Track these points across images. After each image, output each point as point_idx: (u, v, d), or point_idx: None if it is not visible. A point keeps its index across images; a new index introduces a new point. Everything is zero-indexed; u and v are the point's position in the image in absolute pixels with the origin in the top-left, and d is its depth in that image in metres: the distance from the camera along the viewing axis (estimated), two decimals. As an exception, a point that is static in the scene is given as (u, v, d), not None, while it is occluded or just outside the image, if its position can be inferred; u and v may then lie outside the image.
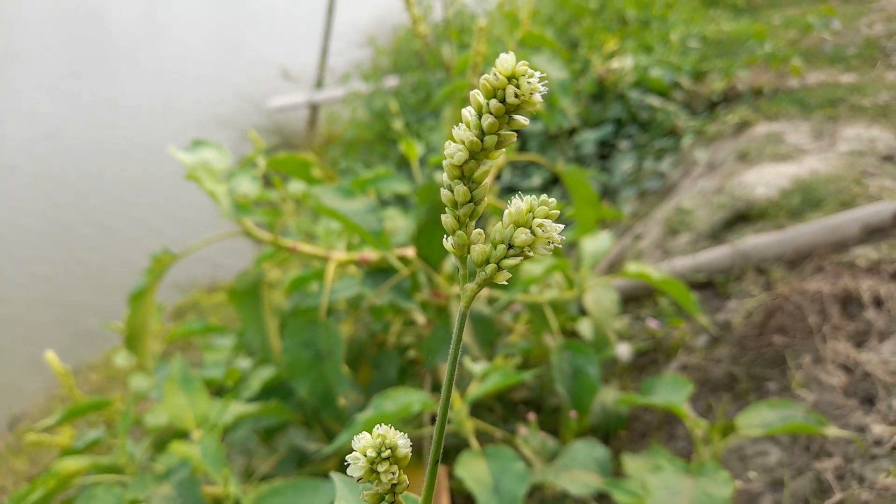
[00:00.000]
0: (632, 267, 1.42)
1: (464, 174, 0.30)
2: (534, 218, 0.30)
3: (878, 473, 1.16)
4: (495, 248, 0.31)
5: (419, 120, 4.02)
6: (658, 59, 3.59)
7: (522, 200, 0.30)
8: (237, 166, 1.33)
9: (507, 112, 0.28)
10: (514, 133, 0.29)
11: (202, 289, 3.74)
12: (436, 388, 1.49)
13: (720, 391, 1.59)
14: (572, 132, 3.37)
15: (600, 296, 1.53)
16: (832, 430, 1.12)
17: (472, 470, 1.08)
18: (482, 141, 0.29)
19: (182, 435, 1.31)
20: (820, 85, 2.93)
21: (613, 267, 2.32)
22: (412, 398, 1.12)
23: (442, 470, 1.37)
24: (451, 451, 1.40)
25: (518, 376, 1.18)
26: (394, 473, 0.34)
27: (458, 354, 0.34)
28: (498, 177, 2.77)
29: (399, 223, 1.65)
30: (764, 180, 2.16)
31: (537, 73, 0.28)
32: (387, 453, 0.34)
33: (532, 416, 1.41)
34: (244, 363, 1.63)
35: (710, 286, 1.91)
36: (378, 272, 1.43)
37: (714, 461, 1.20)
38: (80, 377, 3.06)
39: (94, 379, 3.05)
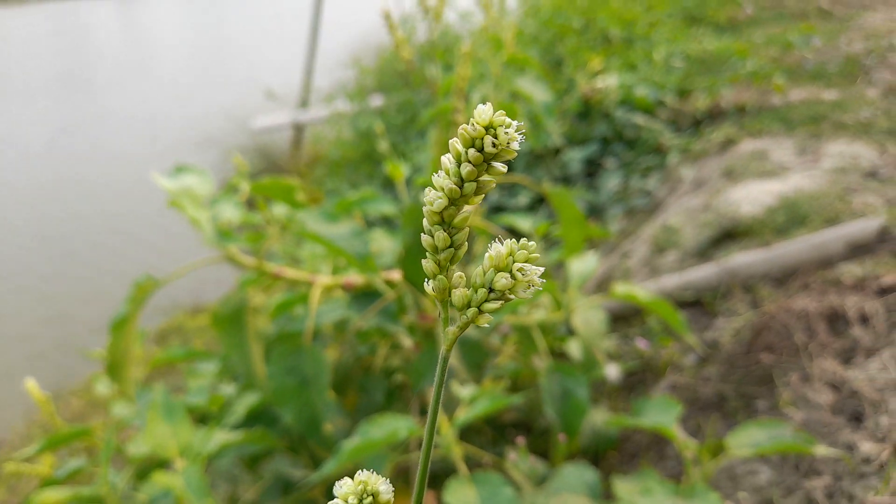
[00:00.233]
0: (619, 288, 1.42)
1: (444, 220, 0.30)
2: (514, 262, 0.29)
3: (867, 491, 1.16)
4: (476, 292, 0.30)
5: (405, 140, 4.03)
6: (642, 77, 3.62)
7: (503, 244, 0.30)
8: (220, 192, 1.32)
9: (486, 160, 0.28)
10: (493, 180, 0.29)
11: (186, 311, 3.71)
12: (423, 412, 1.47)
13: (709, 410, 1.59)
14: (559, 151, 3.38)
15: (589, 316, 1.52)
16: (821, 449, 1.11)
17: (461, 496, 1.06)
18: (461, 188, 0.29)
19: (165, 464, 1.29)
20: (802, 102, 2.96)
21: (602, 285, 2.32)
22: (399, 424, 1.11)
23: (430, 496, 1.35)
24: (440, 475, 1.38)
25: (507, 400, 1.17)
26: (376, 520, 0.33)
27: (440, 393, 0.33)
28: (485, 197, 2.78)
29: (385, 245, 1.64)
30: (749, 197, 2.17)
31: (515, 123, 0.28)
32: (368, 500, 0.33)
33: (521, 441, 1.39)
34: (228, 389, 1.61)
35: (698, 304, 1.91)
36: (364, 295, 1.42)
37: (704, 482, 1.19)
38: (61, 402, 3.01)
39: (75, 404, 3.01)
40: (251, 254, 1.39)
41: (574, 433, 1.34)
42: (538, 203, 3.13)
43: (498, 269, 0.30)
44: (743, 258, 1.89)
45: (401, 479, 1.44)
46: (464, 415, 1.17)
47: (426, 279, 0.32)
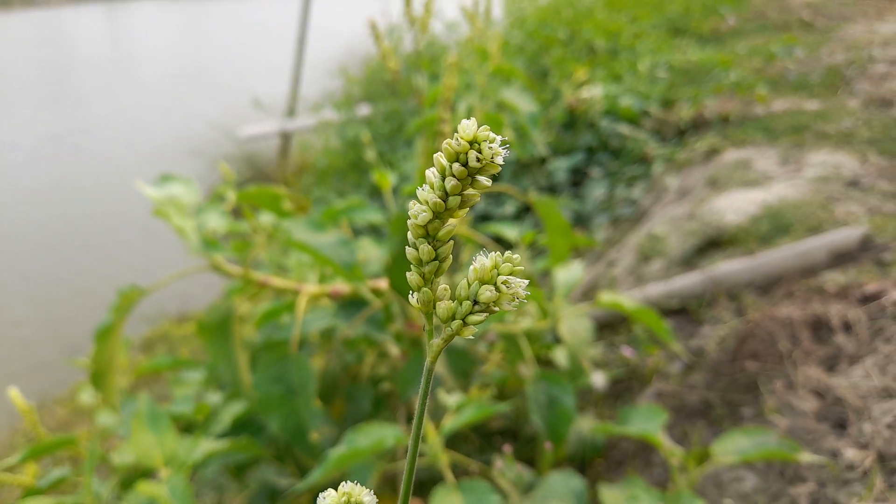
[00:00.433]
0: (605, 296, 1.43)
1: (428, 233, 0.30)
2: (498, 275, 0.30)
3: (850, 498, 1.17)
4: (461, 304, 0.30)
5: (392, 149, 4.04)
6: (627, 87, 3.65)
7: (487, 257, 0.30)
8: (206, 201, 1.32)
9: (470, 174, 0.29)
10: (478, 194, 0.29)
11: (171, 319, 3.69)
12: (411, 420, 1.47)
13: (695, 418, 1.60)
14: (544, 160, 3.40)
15: (575, 324, 1.53)
16: (805, 456, 1.12)
17: (448, 505, 1.06)
18: (446, 202, 0.29)
19: (149, 474, 1.28)
20: (785, 112, 2.99)
21: (588, 294, 2.33)
22: (386, 433, 1.11)
23: (417, 505, 1.35)
24: (427, 483, 1.38)
25: (493, 408, 1.17)
26: (360, 531, 0.33)
27: (425, 403, 0.33)
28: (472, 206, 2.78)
29: (372, 253, 1.64)
30: (734, 206, 2.19)
31: (499, 138, 0.28)
32: (353, 511, 0.33)
33: (508, 448, 1.40)
34: (214, 398, 1.60)
35: (683, 312, 1.92)
36: (351, 304, 1.42)
37: (690, 490, 1.20)
38: (45, 411, 2.98)
39: (60, 413, 2.98)
40: (237, 262, 1.39)
41: (560, 441, 1.34)
42: (524, 212, 3.14)
43: (482, 282, 0.30)
44: (727, 266, 1.90)
45: (388, 487, 1.44)
46: (450, 423, 1.17)
47: (411, 291, 0.32)
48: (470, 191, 0.29)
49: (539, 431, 1.38)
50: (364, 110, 4.76)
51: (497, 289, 0.30)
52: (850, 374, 1.42)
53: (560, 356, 1.60)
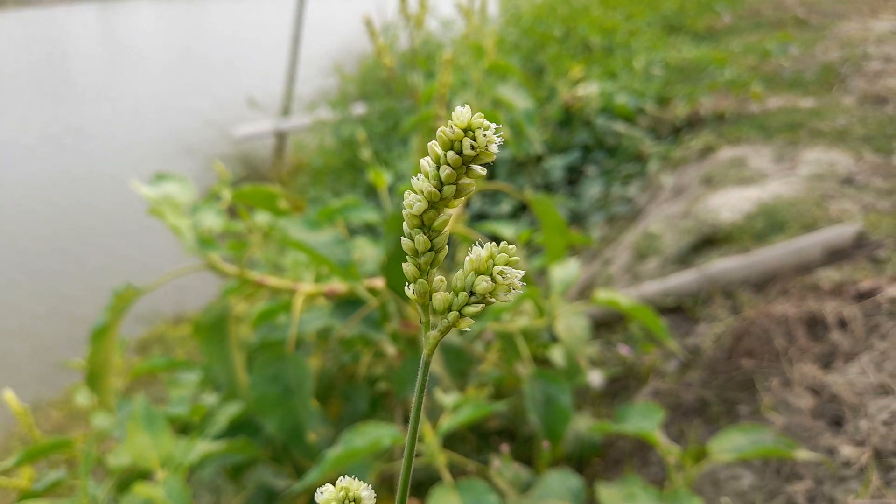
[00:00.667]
0: (601, 294, 1.42)
1: (423, 223, 0.30)
2: (494, 265, 0.29)
3: (847, 495, 1.17)
4: (457, 295, 0.30)
5: (387, 148, 4.03)
6: (623, 85, 3.65)
7: (483, 248, 0.30)
8: (202, 200, 1.31)
9: (465, 163, 0.28)
10: (473, 183, 0.29)
11: (167, 321, 3.68)
12: (407, 420, 1.47)
13: (692, 416, 1.60)
14: (540, 159, 3.40)
15: (571, 323, 1.53)
16: (802, 454, 1.12)
17: (445, 504, 1.06)
18: (441, 191, 0.29)
19: (146, 475, 1.27)
20: (780, 109, 2.99)
21: (584, 292, 2.33)
22: (382, 432, 1.11)
23: (414, 504, 1.35)
24: (425, 483, 1.38)
25: (490, 408, 1.17)
26: (358, 526, 0.33)
27: (422, 399, 0.33)
28: (468, 204, 2.78)
29: (368, 253, 1.63)
30: (729, 204, 2.19)
31: (493, 126, 0.28)
32: (350, 506, 0.33)
33: (505, 448, 1.39)
34: (210, 399, 1.59)
35: (679, 310, 1.92)
36: (347, 303, 1.41)
37: (687, 488, 1.20)
38: (40, 414, 2.97)
39: (55, 416, 2.97)
40: (233, 262, 1.39)
41: (558, 440, 1.34)
42: (520, 210, 3.14)
43: (478, 273, 0.30)
44: (723, 264, 1.90)
45: (385, 487, 1.44)
46: (447, 422, 1.17)
47: (407, 283, 0.32)
48: (465, 180, 0.29)
49: (536, 430, 1.37)
50: (359, 109, 4.76)
51: (493, 279, 0.29)
52: (845, 371, 1.42)
53: (557, 355, 1.60)
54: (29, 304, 4.04)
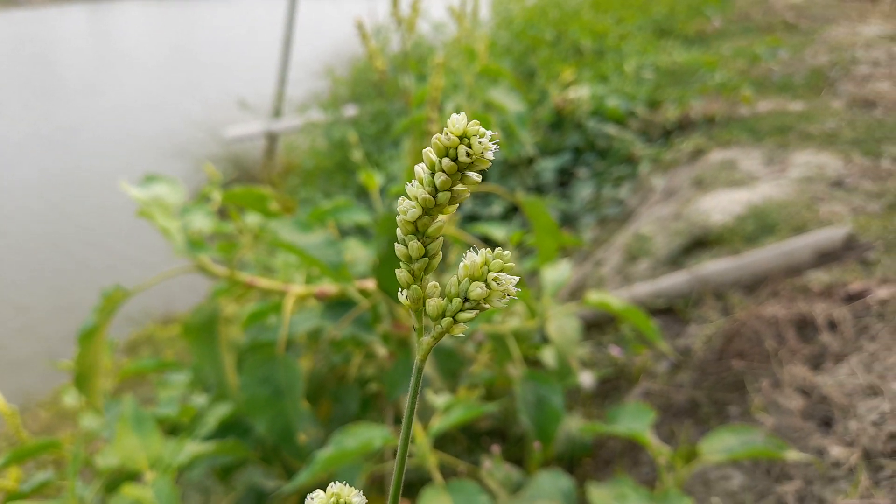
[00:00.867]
0: (593, 296, 1.43)
1: (418, 229, 0.30)
2: (489, 271, 0.29)
3: (836, 495, 1.18)
4: (451, 301, 0.30)
5: (379, 150, 4.03)
6: (614, 88, 3.66)
7: (478, 254, 0.30)
8: (191, 201, 1.31)
9: (460, 170, 0.28)
10: (468, 189, 0.29)
11: (156, 321, 3.66)
12: (398, 421, 1.47)
13: (682, 416, 1.60)
14: (532, 160, 3.40)
15: (563, 324, 1.53)
16: (792, 454, 1.13)
17: (436, 506, 1.06)
18: (435, 198, 0.29)
19: (134, 476, 1.26)
20: (770, 113, 3.01)
21: (575, 294, 2.33)
22: (373, 434, 1.10)
23: (405, 506, 1.34)
24: (416, 484, 1.38)
25: (481, 409, 1.17)
26: (350, 531, 0.33)
27: (415, 403, 0.33)
28: (459, 206, 2.78)
29: (359, 254, 1.63)
30: (719, 206, 2.20)
31: (489, 133, 0.28)
32: (342, 511, 0.32)
33: (496, 449, 1.39)
34: (200, 400, 1.58)
35: (670, 312, 1.93)
36: (338, 304, 1.41)
37: (678, 488, 1.20)
38: (28, 414, 2.95)
39: (43, 416, 2.95)
40: (223, 263, 1.38)
41: (549, 440, 1.34)
42: (512, 212, 3.14)
43: (473, 279, 0.30)
44: (714, 266, 1.91)
45: (375, 488, 1.44)
46: (439, 423, 1.17)
47: (400, 289, 0.31)
48: (459, 186, 0.29)
49: (527, 431, 1.38)
50: (351, 111, 4.75)
51: (488, 285, 0.29)
52: (835, 372, 1.43)
53: (548, 356, 1.60)
54: (17, 302, 4.01)
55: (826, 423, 1.34)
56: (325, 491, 0.33)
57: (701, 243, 2.11)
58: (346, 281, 1.22)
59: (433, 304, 0.30)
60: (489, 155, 0.28)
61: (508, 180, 3.34)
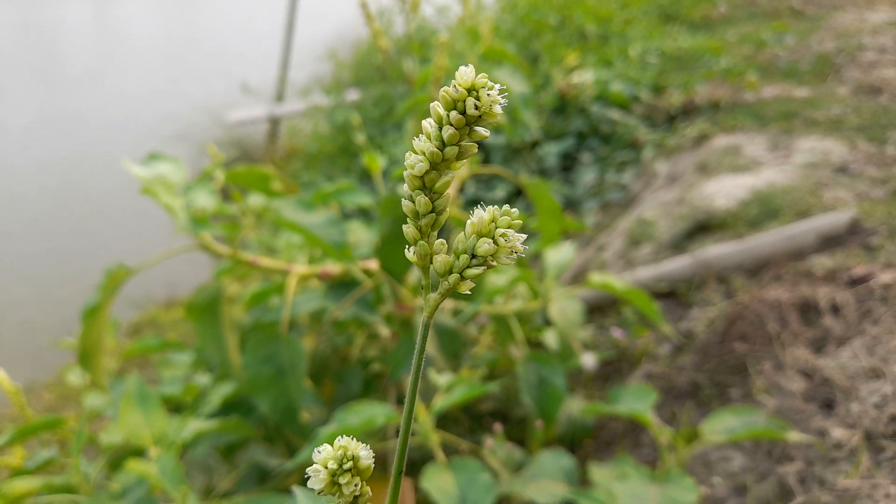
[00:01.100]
0: (596, 277, 1.43)
1: (425, 185, 0.30)
2: (496, 228, 0.29)
3: (837, 476, 1.18)
4: (458, 258, 0.30)
5: (382, 133, 4.02)
6: (618, 73, 3.64)
7: (485, 211, 0.30)
8: (195, 180, 1.31)
9: (468, 123, 0.28)
10: (475, 144, 0.29)
11: (159, 305, 3.67)
12: (400, 400, 1.47)
13: (684, 398, 1.61)
14: (535, 145, 3.39)
15: (565, 306, 1.53)
16: (793, 435, 1.13)
17: (438, 482, 1.07)
18: (443, 152, 0.28)
19: (138, 453, 1.27)
20: (775, 99, 3.00)
21: (578, 277, 2.34)
22: (376, 411, 1.11)
23: (407, 483, 1.35)
24: (417, 463, 1.38)
25: (483, 388, 1.18)
26: (356, 485, 0.33)
27: (421, 364, 0.33)
28: (462, 189, 2.78)
29: (362, 236, 1.63)
30: (723, 191, 2.19)
31: (497, 86, 0.28)
32: (348, 465, 0.33)
33: (498, 428, 1.40)
34: (203, 379, 1.59)
35: (672, 295, 1.93)
36: (341, 285, 1.41)
37: (679, 468, 1.21)
38: (32, 395, 2.97)
39: (47, 398, 2.96)
40: (226, 243, 1.38)
41: (551, 420, 1.35)
42: (515, 196, 3.14)
43: (480, 235, 0.30)
44: (717, 250, 1.91)
45: (378, 466, 1.44)
46: (441, 402, 1.18)
47: (406, 262, 0.31)
48: (467, 141, 0.28)
49: (529, 412, 1.38)
50: (353, 95, 4.73)
51: (495, 241, 0.29)
52: (837, 355, 1.43)
53: (550, 338, 1.61)
54: (21, 285, 4.02)
55: (828, 406, 1.34)
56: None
57: (704, 228, 2.11)
58: (349, 260, 1.22)
59: (440, 259, 0.30)
60: (497, 108, 0.28)
61: (512, 164, 3.33)
